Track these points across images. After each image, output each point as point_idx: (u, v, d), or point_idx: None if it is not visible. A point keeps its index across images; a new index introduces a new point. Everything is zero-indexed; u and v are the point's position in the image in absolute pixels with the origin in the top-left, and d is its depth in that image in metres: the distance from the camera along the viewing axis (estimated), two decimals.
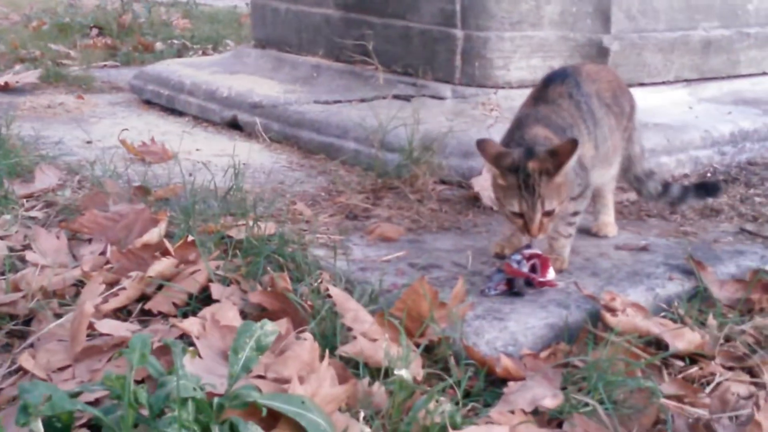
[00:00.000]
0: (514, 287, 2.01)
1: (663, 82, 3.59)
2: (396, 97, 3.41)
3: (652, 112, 3.31)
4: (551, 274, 2.04)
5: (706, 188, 2.57)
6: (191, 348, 1.46)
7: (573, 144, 1.98)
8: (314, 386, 1.36)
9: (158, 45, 6.56)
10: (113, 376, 1.18)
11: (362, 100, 3.45)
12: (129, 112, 4.10)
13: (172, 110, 4.09)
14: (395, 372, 1.35)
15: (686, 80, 3.65)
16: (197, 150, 3.35)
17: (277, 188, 2.86)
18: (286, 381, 1.39)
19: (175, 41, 6.74)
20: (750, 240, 2.42)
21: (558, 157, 1.97)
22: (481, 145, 2.07)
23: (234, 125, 3.72)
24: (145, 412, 1.25)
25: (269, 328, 1.35)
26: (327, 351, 1.47)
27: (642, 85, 3.51)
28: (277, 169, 3.12)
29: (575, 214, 2.20)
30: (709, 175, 3.06)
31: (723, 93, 3.72)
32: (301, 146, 3.38)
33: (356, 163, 3.11)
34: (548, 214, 2.02)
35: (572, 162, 1.99)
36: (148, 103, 4.27)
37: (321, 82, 3.80)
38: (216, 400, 1.28)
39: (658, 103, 3.45)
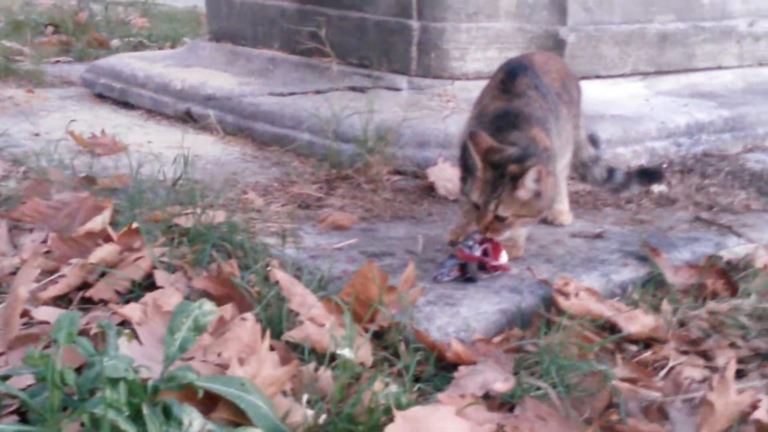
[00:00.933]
0: (467, 273, 1.97)
1: (620, 75, 3.58)
2: (352, 88, 3.36)
3: (609, 104, 3.30)
4: (504, 258, 2.01)
5: (649, 174, 2.56)
6: (127, 331, 1.39)
7: (535, 171, 1.94)
8: (255, 368, 1.31)
9: (114, 42, 6.45)
10: (36, 354, 1.12)
11: (317, 92, 3.40)
12: (80, 106, 4.00)
13: (125, 104, 4.01)
14: (338, 351, 1.31)
15: (643, 73, 3.65)
16: (149, 142, 3.28)
17: (229, 179, 2.80)
18: (226, 363, 1.34)
19: (132, 39, 6.64)
20: (705, 227, 2.41)
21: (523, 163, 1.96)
22: (475, 138, 2.03)
23: (188, 118, 3.64)
24: (75, 397, 1.19)
25: (207, 307, 1.29)
26: (269, 331, 1.42)
27: (599, 77, 3.50)
28: (230, 161, 3.06)
29: None
30: (665, 165, 3.05)
31: (679, 86, 3.72)
32: (256, 138, 3.32)
33: (311, 154, 3.06)
34: (500, 219, 1.99)
35: (531, 181, 1.95)
36: (101, 96, 4.18)
37: (276, 75, 3.74)
38: (150, 382, 1.22)
39: (614, 96, 3.44)
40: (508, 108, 2.17)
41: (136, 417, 1.14)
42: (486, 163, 2.00)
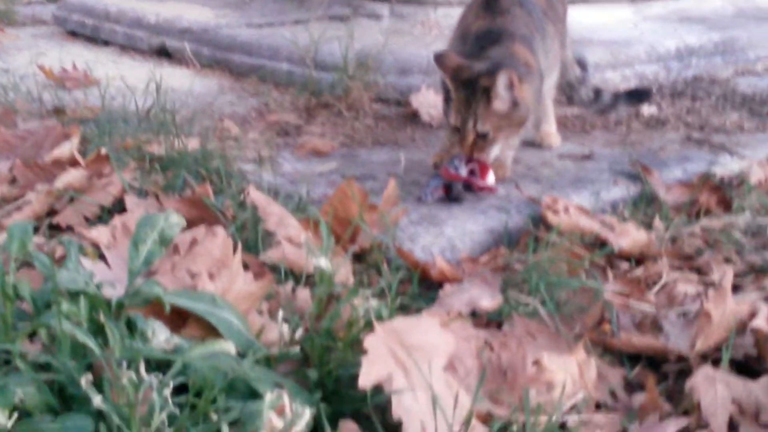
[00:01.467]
0: (453, 193, 1.89)
1: (608, 0, 3.47)
2: (332, 18, 3.26)
3: (598, 30, 3.21)
4: (491, 178, 1.94)
5: (637, 95, 2.50)
6: (90, 248, 1.31)
7: (506, 74, 1.86)
8: (226, 283, 1.23)
9: None
10: None
11: (296, 22, 3.29)
12: (52, 44, 3.87)
13: (98, 40, 3.87)
14: (313, 262, 1.23)
15: None
16: (122, 77, 3.15)
17: (206, 110, 2.70)
18: (197, 282, 1.26)
19: None
20: (697, 147, 2.33)
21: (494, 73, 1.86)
22: (440, 58, 1.96)
23: (163, 53, 3.52)
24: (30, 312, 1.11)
25: (174, 219, 1.21)
26: (240, 245, 1.34)
27: (587, 2, 3.40)
28: (206, 93, 2.95)
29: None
30: (654, 90, 2.96)
31: (668, 11, 3.62)
32: (233, 70, 3.21)
33: (290, 84, 2.96)
34: (482, 136, 1.91)
35: (503, 88, 1.86)
36: (73, 34, 4.04)
37: (254, 6, 3.62)
38: (115, 298, 1.15)
39: (603, 21, 3.35)
40: (491, 26, 2.08)
41: (98, 332, 1.07)
42: (456, 82, 1.93)
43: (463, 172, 1.90)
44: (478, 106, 1.90)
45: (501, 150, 2.00)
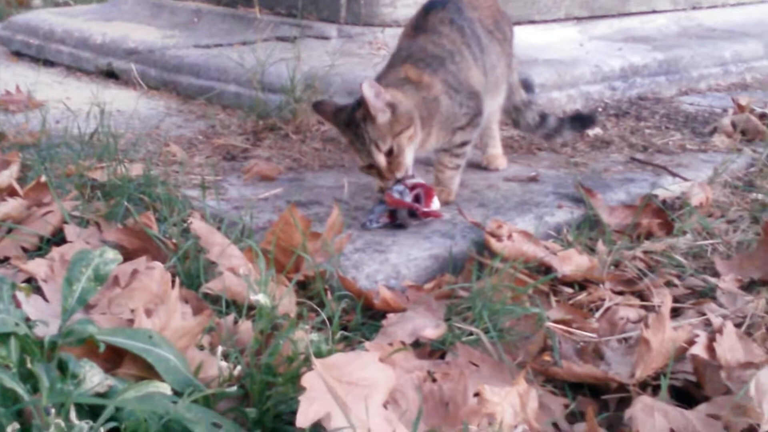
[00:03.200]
0: (397, 219, 1.89)
1: (554, 20, 3.51)
2: (280, 38, 3.25)
3: (543, 49, 3.23)
4: (435, 204, 1.94)
5: (582, 120, 2.52)
6: (24, 285, 1.29)
7: (367, 84, 1.86)
8: (163, 319, 1.21)
9: (36, 1, 6.18)
10: None
11: (244, 43, 3.27)
12: None
13: (44, 61, 3.81)
14: (251, 297, 1.22)
15: (576, 18, 3.59)
16: (67, 98, 3.12)
17: (152, 133, 2.67)
18: (133, 317, 1.24)
19: None
20: (640, 168, 2.36)
21: (363, 99, 1.87)
22: (318, 107, 2.02)
23: (110, 74, 3.49)
24: None
25: (110, 255, 1.19)
26: (178, 280, 1.33)
27: (533, 22, 3.43)
28: (153, 115, 2.93)
29: (463, 144, 2.09)
30: (600, 110, 3.00)
31: (613, 31, 3.67)
32: (180, 92, 3.18)
33: (237, 106, 2.94)
34: (390, 153, 1.91)
35: (373, 98, 1.86)
36: (18, 54, 3.97)
37: (201, 27, 3.60)
38: (47, 337, 1.12)
39: (549, 41, 3.38)
40: (410, 45, 2.10)
41: (29, 376, 1.04)
42: (341, 126, 1.96)
43: (408, 198, 1.90)
44: (368, 132, 1.89)
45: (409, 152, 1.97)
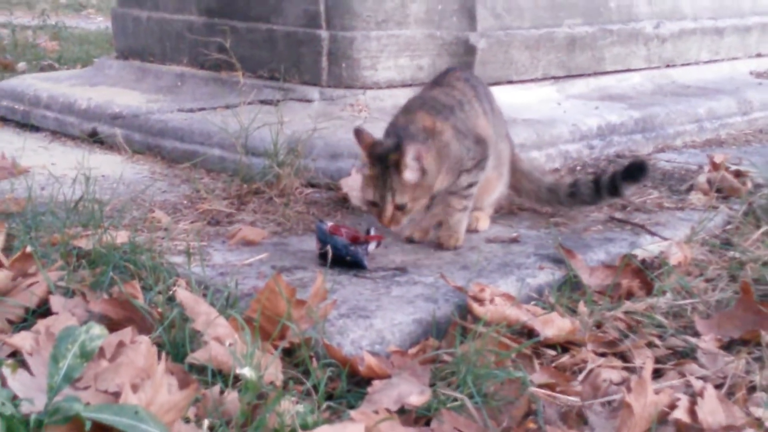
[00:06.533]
0: (323, 249, 2.03)
1: (531, 80, 3.58)
2: (263, 102, 3.29)
3: (522, 109, 3.29)
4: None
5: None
6: (9, 361, 1.29)
7: (413, 147, 2.01)
8: (150, 394, 1.22)
9: (21, 65, 6.23)
10: None
11: (227, 107, 3.31)
12: None
13: (28, 126, 3.85)
14: (238, 371, 1.23)
15: (554, 77, 3.66)
16: (52, 164, 3.14)
17: (136, 198, 2.69)
18: (120, 391, 1.25)
19: (41, 62, 6.42)
20: (619, 227, 2.40)
21: (403, 149, 2.02)
22: (359, 134, 2.11)
23: (95, 138, 3.51)
24: None
25: (96, 331, 1.21)
26: (164, 354, 1.34)
27: (510, 82, 3.50)
28: (138, 180, 2.95)
29: (470, 186, 2.20)
30: (578, 168, 3.05)
31: (590, 89, 3.74)
32: (165, 156, 3.22)
33: (222, 170, 2.97)
34: (400, 208, 2.05)
35: (411, 160, 2.01)
36: (3, 120, 4.00)
37: (185, 91, 3.64)
38: (33, 416, 1.13)
39: (526, 100, 3.44)
40: (424, 96, 2.27)
41: None
42: (372, 158, 2.06)
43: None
44: (392, 180, 2.02)
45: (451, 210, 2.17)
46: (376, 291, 1.92)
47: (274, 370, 1.53)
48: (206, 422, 1.21)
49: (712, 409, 1.42)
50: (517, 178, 2.48)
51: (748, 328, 1.79)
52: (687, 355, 1.75)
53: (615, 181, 2.39)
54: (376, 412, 1.44)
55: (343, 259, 2.03)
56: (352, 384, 1.60)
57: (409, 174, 2.02)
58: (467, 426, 1.45)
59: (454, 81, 2.32)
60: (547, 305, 1.92)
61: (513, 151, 2.51)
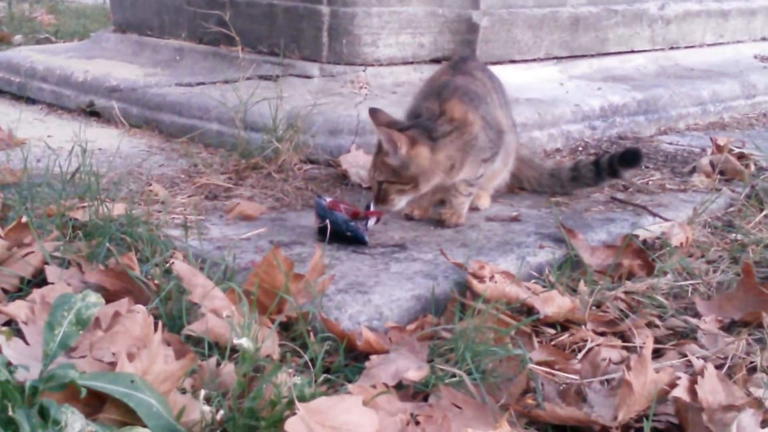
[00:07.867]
0: (323, 222, 2.02)
1: (534, 59, 3.55)
2: (262, 77, 3.26)
3: (524, 88, 3.26)
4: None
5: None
6: (4, 328, 1.28)
7: (409, 138, 2.03)
8: (146, 363, 1.21)
9: (17, 38, 6.19)
10: None
11: (226, 82, 3.28)
12: None
13: (25, 98, 3.81)
14: (234, 341, 1.22)
15: (556, 57, 3.63)
16: (49, 136, 3.11)
17: (133, 172, 2.67)
18: (116, 360, 1.24)
19: (38, 35, 6.37)
20: (621, 208, 2.38)
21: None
22: (374, 114, 2.12)
23: (91, 112, 3.49)
24: None
25: (91, 299, 1.19)
26: (161, 323, 1.32)
27: (513, 62, 3.47)
28: (135, 154, 2.93)
29: (481, 176, 2.22)
30: (580, 149, 3.03)
31: (593, 70, 3.72)
32: (163, 130, 3.19)
33: (220, 145, 2.95)
34: (380, 184, 2.08)
35: (389, 142, 2.03)
36: None
37: (184, 65, 3.61)
38: (28, 382, 1.11)
39: (529, 80, 3.41)
40: (449, 80, 2.24)
41: (10, 422, 1.03)
42: (382, 133, 2.07)
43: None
44: (378, 157, 2.07)
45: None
46: (374, 267, 1.90)
47: (271, 344, 1.52)
48: (202, 393, 1.20)
49: (712, 388, 1.41)
50: (517, 166, 2.45)
51: (750, 309, 1.78)
52: (687, 335, 1.74)
53: (613, 165, 2.41)
54: (374, 387, 1.42)
55: (343, 235, 2.01)
56: (349, 359, 1.59)
57: (388, 158, 2.05)
58: (465, 402, 1.43)
59: (473, 70, 2.33)
60: (547, 284, 1.91)
61: (518, 141, 2.49)
